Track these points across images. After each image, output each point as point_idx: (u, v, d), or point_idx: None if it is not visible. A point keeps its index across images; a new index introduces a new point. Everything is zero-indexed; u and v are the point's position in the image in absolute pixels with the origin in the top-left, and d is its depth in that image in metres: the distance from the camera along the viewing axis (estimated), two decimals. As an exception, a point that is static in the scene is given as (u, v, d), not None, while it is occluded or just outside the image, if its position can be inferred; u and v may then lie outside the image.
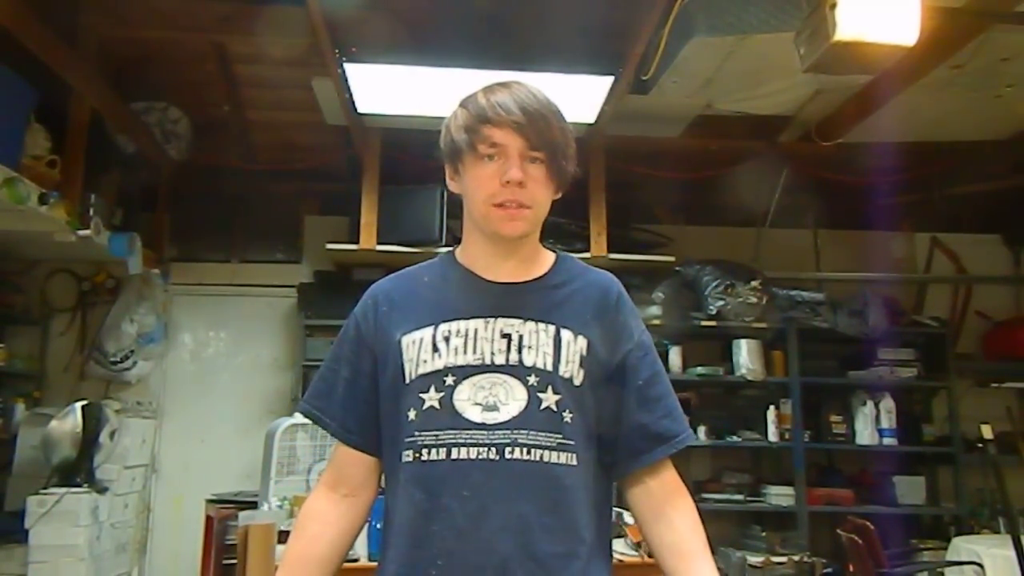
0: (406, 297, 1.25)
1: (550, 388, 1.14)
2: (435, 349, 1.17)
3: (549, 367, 1.15)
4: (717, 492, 4.38)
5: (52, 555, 3.42)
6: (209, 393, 4.68)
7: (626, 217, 4.61)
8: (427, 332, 1.18)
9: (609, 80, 3.35)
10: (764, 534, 4.23)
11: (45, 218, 3.41)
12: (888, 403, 4.41)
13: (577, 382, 1.16)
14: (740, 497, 4.38)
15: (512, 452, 1.11)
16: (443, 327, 1.18)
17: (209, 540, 3.14)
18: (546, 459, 1.12)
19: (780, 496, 4.34)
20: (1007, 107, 3.70)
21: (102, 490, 3.70)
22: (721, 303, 4.36)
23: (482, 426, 1.12)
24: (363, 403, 1.24)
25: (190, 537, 3.71)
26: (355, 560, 2.34)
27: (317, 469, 2.86)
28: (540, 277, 1.24)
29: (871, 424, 4.41)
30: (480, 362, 1.15)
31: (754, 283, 4.41)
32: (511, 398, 1.13)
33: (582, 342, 1.18)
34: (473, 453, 1.11)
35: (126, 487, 4.04)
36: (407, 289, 1.27)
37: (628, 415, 1.20)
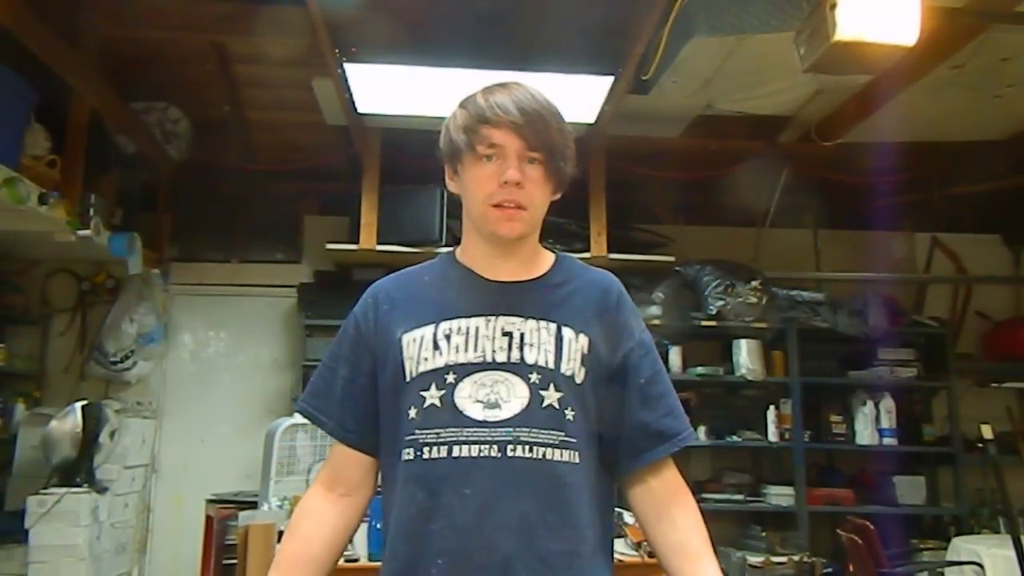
0: (407, 296, 1.25)
1: (552, 386, 1.14)
2: (436, 347, 1.17)
3: (551, 365, 1.15)
4: (717, 492, 4.38)
5: (52, 555, 3.42)
6: (209, 393, 4.68)
7: (626, 217, 4.60)
8: (428, 330, 1.18)
9: (609, 80, 3.35)
10: (764, 534, 4.23)
11: (45, 218, 3.41)
12: (888, 403, 4.41)
13: (578, 380, 1.16)
14: (740, 497, 4.38)
15: (514, 450, 1.11)
16: (444, 325, 1.18)
17: (209, 540, 3.14)
18: (548, 457, 1.12)
19: (780, 496, 4.34)
20: (1007, 107, 3.70)
21: (102, 490, 3.70)
22: (721, 303, 4.36)
23: (484, 424, 1.12)
24: (361, 402, 1.24)
25: (190, 537, 3.71)
26: (355, 560, 2.35)
27: (317, 469, 2.84)
28: (541, 276, 1.24)
29: (871, 424, 4.41)
30: (481, 360, 1.15)
31: (754, 283, 4.41)
32: (513, 395, 1.13)
33: (583, 340, 1.18)
34: (475, 451, 1.11)
35: (126, 487, 4.04)
36: (408, 288, 1.27)
37: (630, 414, 1.20)
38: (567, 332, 1.18)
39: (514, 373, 1.15)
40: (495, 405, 1.13)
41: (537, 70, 3.15)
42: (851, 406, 4.53)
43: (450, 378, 1.15)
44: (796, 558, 4.01)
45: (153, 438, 4.52)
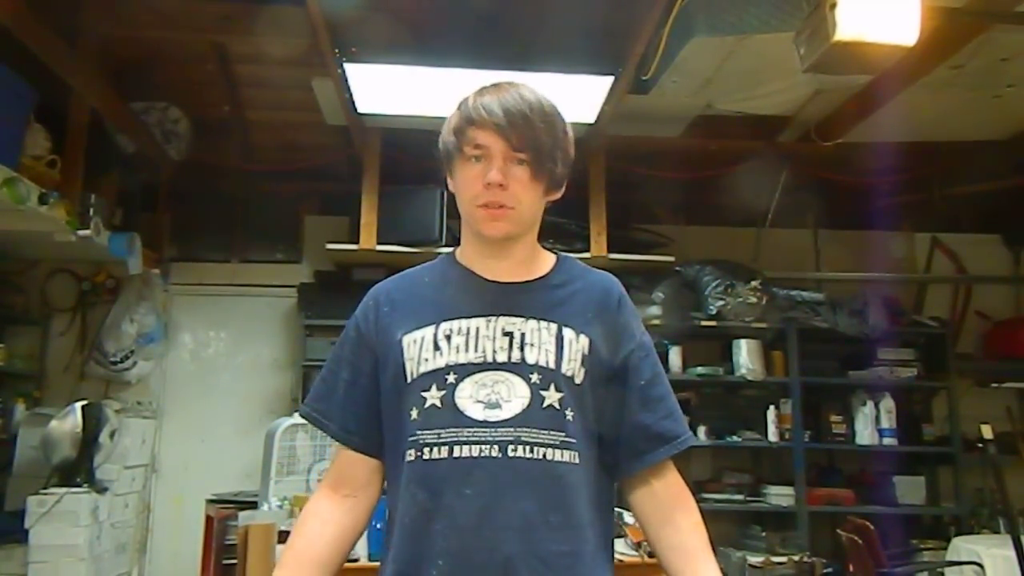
0: (407, 297, 1.26)
1: (553, 386, 1.14)
2: (436, 348, 1.17)
3: (552, 365, 1.15)
4: (717, 492, 4.38)
5: (52, 555, 3.42)
6: (209, 393, 4.68)
7: (626, 217, 4.61)
8: (428, 331, 1.18)
9: (609, 80, 3.35)
10: (764, 534, 4.23)
11: (45, 218, 3.41)
12: (888, 403, 4.41)
13: (578, 380, 1.16)
14: (740, 497, 4.38)
15: (515, 450, 1.11)
16: (444, 326, 1.18)
17: (209, 540, 3.14)
18: (549, 457, 1.12)
19: (780, 496, 4.34)
20: (1007, 107, 3.70)
21: (102, 490, 3.70)
22: (721, 303, 4.36)
23: (484, 424, 1.12)
24: (363, 404, 1.24)
25: (190, 537, 3.70)
26: (355, 560, 2.34)
27: (317, 469, 2.86)
28: (541, 277, 1.25)
29: (871, 424, 4.41)
30: (482, 360, 1.15)
31: (754, 283, 4.41)
32: (513, 395, 1.13)
33: (584, 341, 1.18)
34: (475, 451, 1.11)
35: (126, 487, 4.04)
36: (408, 289, 1.27)
37: (630, 415, 1.21)
38: (568, 333, 1.18)
39: (515, 373, 1.15)
40: (496, 405, 1.13)
41: (537, 70, 3.14)
42: (851, 406, 4.53)
43: (451, 378, 1.15)
44: (796, 558, 4.01)
45: (153, 438, 4.52)
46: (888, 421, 4.40)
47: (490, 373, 1.15)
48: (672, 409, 1.24)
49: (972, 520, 4.39)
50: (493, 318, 1.18)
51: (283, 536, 2.28)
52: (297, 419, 2.82)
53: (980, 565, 3.50)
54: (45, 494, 3.46)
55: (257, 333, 4.74)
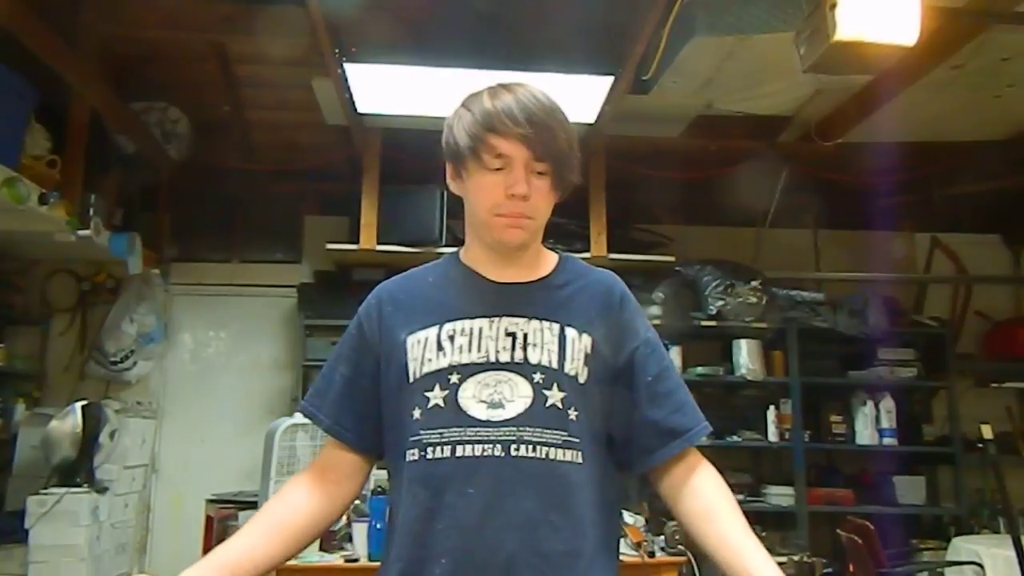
0: (411, 297, 1.25)
1: (555, 385, 1.14)
2: (440, 348, 1.17)
3: (555, 364, 1.15)
4: (717, 492, 4.38)
5: (52, 555, 3.42)
6: (209, 393, 4.68)
7: (626, 217, 4.61)
8: (432, 331, 1.18)
9: (609, 80, 3.35)
10: (764, 534, 4.20)
11: (45, 218, 3.41)
12: (888, 403, 4.41)
13: (582, 380, 1.16)
14: (740, 497, 4.34)
15: (518, 449, 1.11)
16: (448, 326, 1.18)
17: (209, 540, 3.14)
18: (552, 456, 1.12)
19: (780, 496, 4.34)
20: (1007, 107, 3.71)
21: (102, 490, 3.70)
22: (721, 303, 4.36)
23: (487, 423, 1.12)
24: (360, 401, 1.24)
25: (190, 537, 3.71)
26: (355, 560, 2.35)
27: (316, 469, 2.85)
28: (544, 277, 1.25)
29: (871, 424, 4.41)
30: (485, 360, 1.15)
31: (754, 283, 4.41)
32: (516, 395, 1.13)
33: (587, 340, 1.18)
34: (478, 450, 1.11)
35: (126, 487, 4.04)
36: (412, 290, 1.27)
37: (639, 413, 1.20)
38: (570, 332, 1.18)
39: (517, 373, 1.15)
40: (498, 405, 1.13)
41: (537, 70, 3.15)
42: (851, 406, 4.52)
43: (454, 378, 1.15)
44: (796, 558, 4.00)
45: (153, 438, 4.52)
46: (888, 421, 4.40)
47: (493, 373, 1.15)
48: (682, 402, 1.23)
49: (972, 520, 4.39)
50: (496, 318, 1.18)
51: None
52: (297, 419, 2.82)
53: (980, 565, 3.50)
54: (45, 494, 3.45)
55: (257, 333, 4.75)
